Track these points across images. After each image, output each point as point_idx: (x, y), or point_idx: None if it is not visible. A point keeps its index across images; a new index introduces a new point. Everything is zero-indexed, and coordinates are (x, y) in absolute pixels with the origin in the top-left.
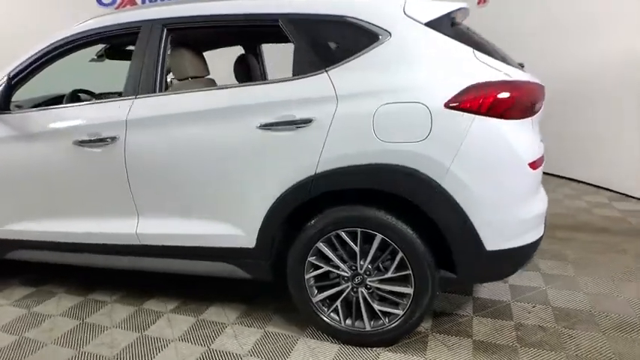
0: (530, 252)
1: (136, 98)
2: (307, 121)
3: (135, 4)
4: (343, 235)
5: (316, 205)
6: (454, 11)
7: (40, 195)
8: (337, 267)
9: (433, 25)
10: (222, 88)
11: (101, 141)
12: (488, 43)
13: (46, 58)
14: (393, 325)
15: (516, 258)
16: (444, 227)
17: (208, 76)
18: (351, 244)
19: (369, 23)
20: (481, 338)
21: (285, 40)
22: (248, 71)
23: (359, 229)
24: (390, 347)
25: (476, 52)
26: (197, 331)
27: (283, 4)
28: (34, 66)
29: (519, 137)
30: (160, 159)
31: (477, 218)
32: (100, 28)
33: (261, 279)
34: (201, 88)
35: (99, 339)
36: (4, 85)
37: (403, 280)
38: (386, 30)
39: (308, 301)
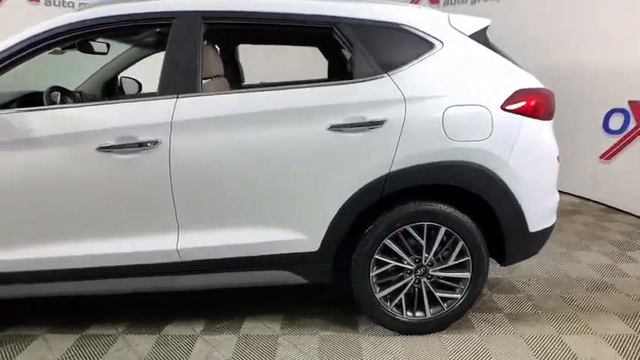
0: (549, 233)
1: (178, 98)
2: (380, 123)
3: None
4: (410, 229)
5: (380, 204)
6: (487, 26)
7: (45, 214)
8: (402, 261)
9: (475, 37)
10: (283, 89)
11: (139, 146)
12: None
13: (29, 50)
14: (450, 310)
15: (543, 238)
16: (501, 214)
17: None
18: (417, 237)
19: (424, 32)
20: (510, 311)
21: (331, 44)
22: None
23: (425, 223)
24: (447, 330)
25: (508, 61)
26: (248, 347)
27: (341, 7)
28: (13, 59)
29: (550, 135)
30: (212, 165)
31: (524, 204)
32: (113, 16)
33: (319, 282)
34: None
35: None
36: None
37: (460, 267)
38: (439, 39)
39: (373, 298)
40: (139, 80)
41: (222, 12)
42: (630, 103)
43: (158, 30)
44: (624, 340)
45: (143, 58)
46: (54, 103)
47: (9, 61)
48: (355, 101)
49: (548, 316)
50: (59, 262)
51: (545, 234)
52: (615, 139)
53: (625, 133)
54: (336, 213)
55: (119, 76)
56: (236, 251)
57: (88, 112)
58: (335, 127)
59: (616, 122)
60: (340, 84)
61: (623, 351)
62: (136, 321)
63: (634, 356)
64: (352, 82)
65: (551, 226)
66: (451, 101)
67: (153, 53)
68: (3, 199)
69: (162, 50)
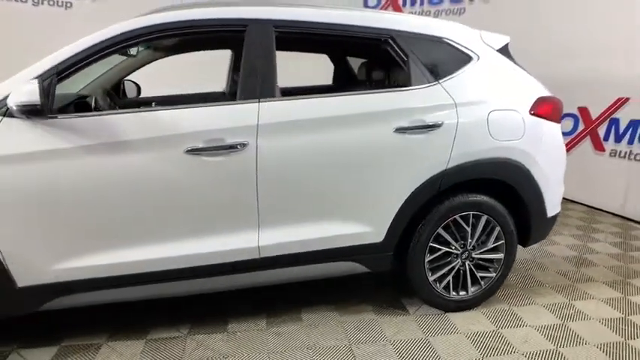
0: (556, 219)
1: (260, 102)
2: (438, 125)
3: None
4: (458, 219)
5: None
6: (508, 42)
7: (133, 218)
8: (450, 247)
9: (501, 51)
10: (353, 95)
11: (229, 148)
12: None
13: (106, 51)
14: (487, 287)
15: (553, 223)
16: (529, 202)
17: None
18: (464, 225)
19: (463, 46)
20: (522, 286)
21: (380, 53)
22: None
23: (471, 213)
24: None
25: (525, 72)
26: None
27: (398, 20)
28: (89, 60)
29: (561, 135)
30: (293, 165)
31: (545, 193)
32: (184, 20)
33: (380, 270)
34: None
35: None
36: (47, 82)
37: (495, 250)
38: (475, 53)
39: (426, 282)
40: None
41: (292, 21)
42: (579, 109)
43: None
44: (617, 301)
45: (150, 62)
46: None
47: (81, 64)
48: (415, 106)
49: (554, 288)
50: (148, 265)
51: (554, 219)
52: (566, 140)
53: (574, 135)
54: (399, 207)
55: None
56: (311, 245)
57: (175, 115)
58: (400, 130)
59: (566, 125)
60: (401, 90)
61: (618, 310)
62: (195, 321)
63: (628, 312)
64: (410, 89)
65: (559, 212)
66: (492, 106)
67: (163, 57)
68: (93, 203)
69: (173, 54)
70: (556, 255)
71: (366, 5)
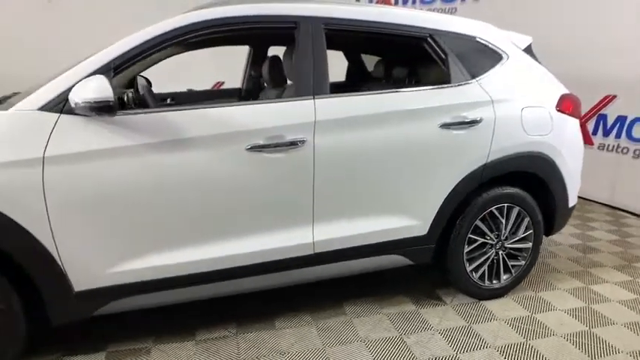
0: (574, 209)
1: (314, 99)
2: (478, 121)
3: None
4: (494, 210)
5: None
6: (531, 42)
7: (187, 217)
8: (486, 237)
9: (526, 50)
10: (400, 92)
11: (290, 144)
12: None
13: (162, 45)
14: (516, 275)
15: (571, 213)
16: (555, 193)
17: None
18: (499, 216)
19: (494, 45)
20: (536, 274)
21: (421, 51)
22: None
23: (506, 205)
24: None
25: (547, 70)
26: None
27: (437, 19)
28: (144, 54)
29: (580, 131)
30: (347, 160)
31: (568, 185)
32: (240, 16)
33: (422, 262)
34: None
35: None
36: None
37: (524, 239)
38: (505, 52)
39: (464, 272)
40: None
41: (340, 19)
42: None
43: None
44: (629, 283)
45: (166, 58)
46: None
47: (137, 58)
48: (457, 103)
49: (570, 274)
50: (206, 265)
51: (573, 209)
52: None
53: None
54: (443, 200)
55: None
56: (362, 240)
57: (236, 112)
58: (444, 125)
59: None
60: (442, 87)
61: (632, 292)
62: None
63: (638, 292)
64: (451, 87)
65: (576, 203)
66: (524, 103)
67: (178, 54)
68: (154, 203)
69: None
70: (562, 243)
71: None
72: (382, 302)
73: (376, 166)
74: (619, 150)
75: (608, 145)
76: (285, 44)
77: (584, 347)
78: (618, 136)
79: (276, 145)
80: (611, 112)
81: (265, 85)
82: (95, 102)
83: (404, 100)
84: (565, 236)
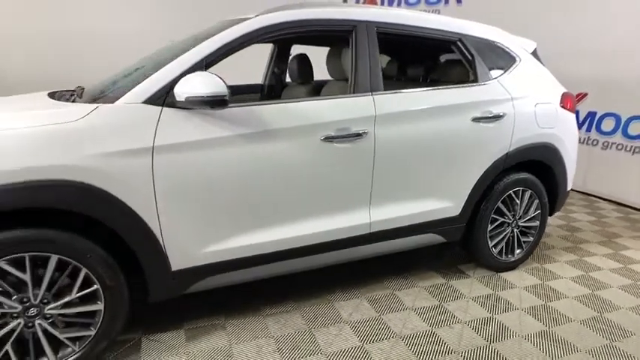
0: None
1: (373, 95)
2: (502, 116)
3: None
4: (512, 193)
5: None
6: (536, 47)
7: (273, 200)
8: (505, 217)
9: (533, 54)
10: (437, 89)
11: (355, 136)
12: None
13: (244, 43)
14: (526, 250)
15: (568, 195)
16: (558, 177)
17: None
18: (516, 198)
19: (509, 49)
20: (538, 253)
21: (451, 53)
22: None
23: (521, 188)
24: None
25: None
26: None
27: (464, 25)
28: (224, 52)
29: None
30: (400, 150)
31: (568, 170)
32: (307, 19)
33: (453, 240)
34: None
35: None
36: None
37: (534, 218)
38: (518, 55)
39: (487, 247)
40: None
41: (389, 23)
42: None
43: None
44: (613, 255)
45: None
46: None
47: (224, 56)
48: (485, 99)
49: (564, 249)
50: (285, 244)
51: (569, 193)
52: None
53: None
54: (474, 184)
55: None
56: (408, 220)
57: (311, 106)
58: (476, 119)
59: None
60: (472, 86)
61: (618, 262)
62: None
63: (626, 263)
64: (478, 85)
65: (571, 187)
66: (536, 100)
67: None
68: (244, 188)
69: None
70: (550, 224)
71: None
72: (415, 277)
73: (422, 155)
74: (589, 142)
75: (580, 138)
76: (327, 45)
77: (591, 306)
78: (589, 129)
79: (345, 136)
80: (583, 109)
81: (289, 81)
82: (209, 96)
83: (444, 97)
84: (551, 218)
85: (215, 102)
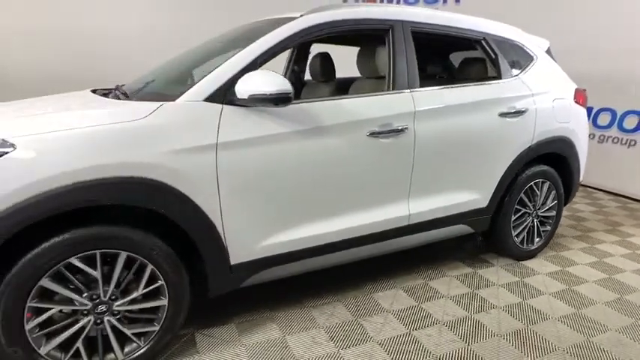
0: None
1: (411, 92)
2: (525, 111)
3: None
4: (533, 185)
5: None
6: (549, 45)
7: (324, 193)
8: (526, 207)
9: (547, 52)
10: (466, 86)
11: (397, 131)
12: None
13: (292, 42)
14: (545, 239)
15: (579, 186)
16: (573, 168)
17: None
18: (537, 190)
19: (528, 48)
20: (567, 234)
21: (476, 50)
22: None
23: (540, 180)
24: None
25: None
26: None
27: (488, 25)
28: (275, 51)
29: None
30: (437, 144)
31: (582, 162)
32: (351, 18)
33: (480, 230)
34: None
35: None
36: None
37: (550, 209)
38: (535, 53)
39: (511, 237)
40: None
41: (422, 23)
42: None
43: None
44: (620, 243)
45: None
46: None
47: (274, 55)
48: (509, 95)
49: (574, 237)
50: (335, 236)
51: (580, 183)
52: None
53: None
54: (500, 177)
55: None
56: (442, 212)
57: (357, 103)
58: (502, 114)
59: None
60: (497, 83)
61: (626, 248)
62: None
63: (634, 249)
64: (502, 82)
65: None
66: (554, 95)
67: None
68: (299, 183)
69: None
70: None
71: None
72: (444, 268)
73: (455, 149)
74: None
75: None
76: (356, 45)
77: (611, 289)
78: None
79: (387, 132)
80: None
81: (307, 79)
82: (274, 94)
83: (474, 93)
84: None
85: (279, 99)
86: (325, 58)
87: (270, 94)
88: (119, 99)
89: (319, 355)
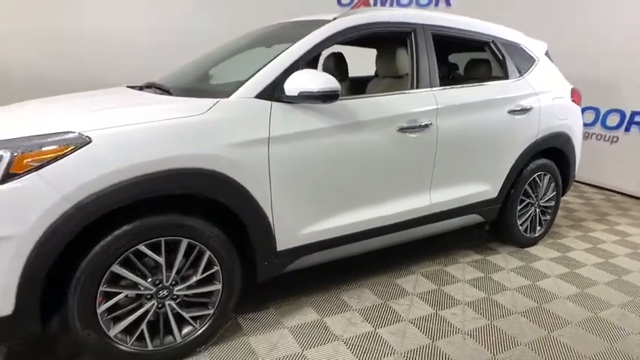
0: None
1: (432, 90)
2: (530, 109)
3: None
4: (536, 177)
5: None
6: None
7: (360, 184)
8: (530, 198)
9: (546, 54)
10: (478, 86)
11: (422, 127)
12: None
13: (329, 43)
14: (545, 227)
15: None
16: (570, 162)
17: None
18: (539, 182)
19: (530, 50)
20: (561, 223)
21: (485, 52)
22: None
23: (542, 172)
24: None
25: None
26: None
27: (496, 28)
28: (315, 52)
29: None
30: (455, 139)
31: (577, 155)
32: (379, 21)
33: (490, 219)
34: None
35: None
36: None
37: (550, 199)
38: (536, 55)
39: (516, 226)
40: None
41: (439, 26)
42: None
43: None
44: (610, 231)
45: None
46: None
47: (314, 54)
48: (516, 94)
49: (568, 226)
50: (369, 223)
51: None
52: None
53: None
54: (509, 169)
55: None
56: (458, 202)
57: (388, 100)
58: (510, 111)
59: None
60: (506, 82)
61: (616, 235)
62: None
63: (623, 236)
64: (510, 82)
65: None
66: (554, 94)
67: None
68: (340, 174)
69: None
70: None
71: (339, 4)
72: (456, 255)
73: (471, 143)
74: None
75: None
76: (373, 46)
77: (609, 271)
78: None
79: (414, 127)
80: None
81: None
82: (323, 91)
83: (487, 92)
84: None
85: (327, 97)
86: (339, 58)
87: (319, 92)
88: (161, 95)
89: (359, 333)
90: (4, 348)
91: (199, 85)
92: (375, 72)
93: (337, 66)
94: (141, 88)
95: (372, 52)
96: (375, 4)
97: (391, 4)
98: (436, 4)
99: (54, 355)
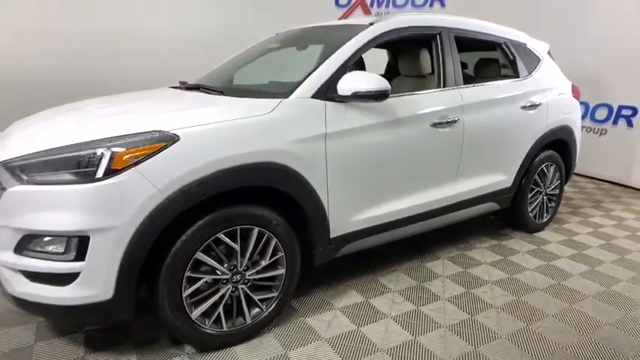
0: None
1: (459, 88)
2: (539, 104)
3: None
4: (544, 168)
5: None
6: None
7: (400, 175)
8: (540, 187)
9: (549, 53)
10: (499, 83)
11: (451, 122)
12: None
13: (370, 45)
14: (551, 214)
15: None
16: (572, 152)
17: None
18: (546, 172)
19: (536, 50)
20: (561, 210)
21: (497, 52)
22: None
23: (549, 163)
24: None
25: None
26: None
27: (506, 30)
28: (358, 54)
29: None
30: (479, 133)
31: (577, 148)
32: (412, 25)
33: (504, 207)
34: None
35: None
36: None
37: (555, 188)
38: (541, 55)
39: (527, 212)
40: None
41: (461, 29)
42: None
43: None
44: (606, 216)
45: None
46: None
47: (356, 57)
48: (527, 91)
49: (568, 213)
50: (408, 211)
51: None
52: None
53: None
54: (522, 160)
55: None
56: (479, 191)
57: (420, 99)
58: (523, 107)
59: None
60: (518, 80)
61: (613, 220)
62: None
63: (619, 221)
64: (522, 79)
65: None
66: (559, 91)
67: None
68: (384, 166)
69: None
70: None
71: (337, 5)
72: (473, 241)
73: (491, 137)
74: None
75: None
76: (394, 49)
77: (612, 252)
78: None
79: (445, 123)
80: None
81: None
82: (376, 91)
83: (504, 89)
84: None
85: (379, 95)
86: (358, 60)
87: (374, 91)
88: (219, 96)
89: (404, 311)
90: (82, 334)
91: (247, 86)
92: (392, 71)
93: (356, 66)
94: (187, 89)
95: (372, 52)
96: (371, 6)
97: (387, 6)
98: (431, 5)
99: (131, 341)
